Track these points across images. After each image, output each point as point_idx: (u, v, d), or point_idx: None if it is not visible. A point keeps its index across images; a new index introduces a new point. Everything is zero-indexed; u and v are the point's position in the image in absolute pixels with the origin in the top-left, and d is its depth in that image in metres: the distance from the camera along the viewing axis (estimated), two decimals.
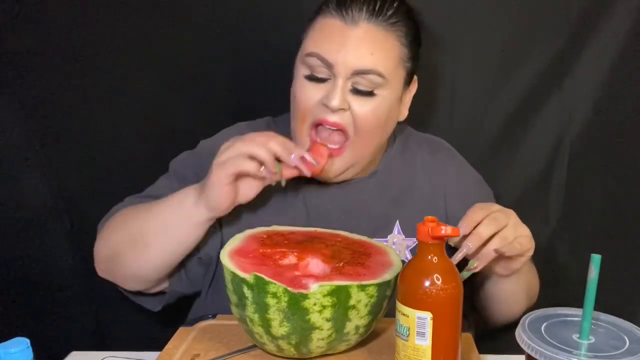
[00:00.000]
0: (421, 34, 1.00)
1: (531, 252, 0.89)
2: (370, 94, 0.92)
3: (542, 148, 1.26)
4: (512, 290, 1.00)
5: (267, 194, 0.97)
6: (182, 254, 0.95)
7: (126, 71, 1.23)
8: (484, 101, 1.26)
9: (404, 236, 1.02)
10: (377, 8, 0.91)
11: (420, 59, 1.02)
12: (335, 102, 0.90)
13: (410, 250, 1.02)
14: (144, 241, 0.93)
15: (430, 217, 0.71)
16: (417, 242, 1.00)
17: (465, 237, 0.83)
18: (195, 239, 0.94)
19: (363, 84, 0.92)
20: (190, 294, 1.06)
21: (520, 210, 1.27)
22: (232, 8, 1.22)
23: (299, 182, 0.98)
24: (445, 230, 0.69)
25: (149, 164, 1.16)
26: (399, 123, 1.04)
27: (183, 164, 1.05)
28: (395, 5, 0.94)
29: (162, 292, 1.04)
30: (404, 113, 1.03)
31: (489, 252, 0.83)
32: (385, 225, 1.01)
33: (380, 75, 0.91)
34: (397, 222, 1.02)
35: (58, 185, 1.26)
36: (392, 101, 0.95)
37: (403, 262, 0.83)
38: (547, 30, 1.21)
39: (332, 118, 0.92)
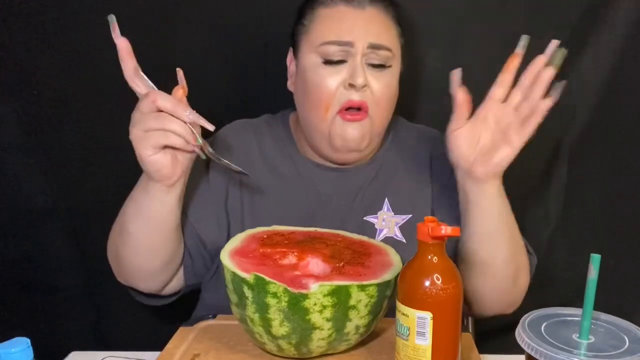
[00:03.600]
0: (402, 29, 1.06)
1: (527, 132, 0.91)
2: (382, 66, 0.98)
3: (542, 148, 1.26)
4: (491, 235, 0.95)
5: (273, 181, 1.02)
6: (162, 231, 0.95)
7: None
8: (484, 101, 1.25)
9: (393, 213, 1.04)
10: None
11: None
12: (360, 80, 0.95)
13: (399, 227, 1.04)
14: (126, 229, 0.94)
15: (430, 217, 0.71)
16: (406, 219, 1.03)
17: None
18: (163, 213, 0.93)
19: (376, 58, 0.97)
20: (197, 286, 1.07)
21: (521, 210, 1.28)
22: (232, 8, 1.22)
23: (302, 168, 1.06)
24: (445, 230, 0.69)
25: None
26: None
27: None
28: None
29: (174, 294, 1.06)
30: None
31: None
32: (375, 203, 1.05)
33: (389, 49, 0.98)
34: (386, 199, 1.05)
35: (58, 185, 1.26)
36: (396, 77, 1.02)
37: (403, 262, 0.84)
38: (547, 30, 1.21)
39: (356, 97, 0.96)
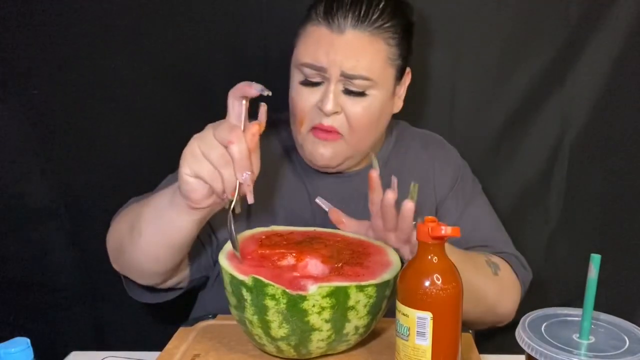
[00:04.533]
0: (412, 26, 1.02)
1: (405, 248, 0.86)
2: (361, 94, 0.95)
3: (542, 148, 1.26)
4: None
5: (272, 181, 1.02)
6: (173, 247, 0.93)
7: (126, 72, 1.23)
8: (484, 101, 1.26)
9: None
10: (361, 14, 0.93)
11: (412, 52, 1.03)
12: (328, 107, 0.94)
13: None
14: (139, 229, 0.92)
15: (430, 217, 0.71)
16: None
17: None
18: (180, 230, 0.90)
19: (352, 86, 0.95)
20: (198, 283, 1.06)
21: (520, 210, 1.29)
22: (232, 8, 1.22)
23: (302, 171, 1.05)
24: (445, 230, 0.69)
25: (148, 164, 1.16)
26: (395, 117, 1.07)
27: None
28: (380, 7, 0.95)
29: (172, 289, 1.04)
30: (399, 105, 1.05)
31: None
32: None
33: (367, 79, 0.94)
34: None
35: (58, 185, 1.26)
36: (383, 98, 0.98)
37: (402, 262, 0.83)
38: (547, 30, 1.21)
39: (327, 122, 0.95)
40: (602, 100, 1.23)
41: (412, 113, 1.19)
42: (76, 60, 1.22)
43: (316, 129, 0.97)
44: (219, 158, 0.79)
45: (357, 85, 0.94)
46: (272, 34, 1.22)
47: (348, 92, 0.95)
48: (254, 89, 0.80)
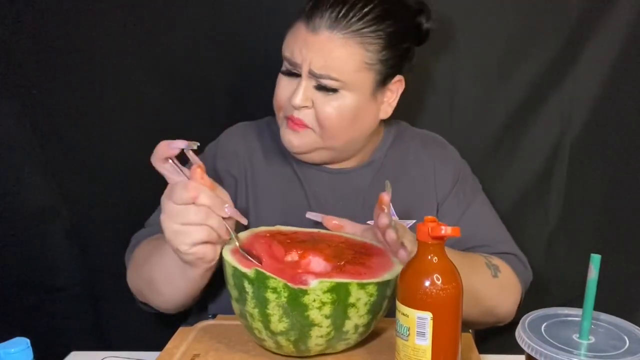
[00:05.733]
0: (408, 34, 1.01)
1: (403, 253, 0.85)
2: (333, 90, 0.96)
3: (542, 148, 1.26)
4: None
5: (274, 182, 1.03)
6: (195, 292, 0.95)
7: (126, 73, 1.23)
8: (484, 101, 1.26)
9: (397, 218, 1.04)
10: (339, 17, 0.94)
11: (409, 57, 1.03)
12: (296, 100, 0.96)
13: None
14: (156, 289, 0.95)
15: (430, 217, 0.71)
16: (409, 224, 1.03)
17: None
18: (197, 281, 0.90)
19: (322, 83, 0.96)
20: None
21: (521, 210, 1.29)
22: (231, 9, 1.22)
23: (299, 169, 1.06)
24: (445, 230, 0.69)
25: (148, 165, 1.16)
26: (395, 118, 1.07)
27: None
28: (364, 11, 0.95)
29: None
30: (387, 111, 1.04)
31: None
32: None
33: (335, 80, 0.95)
34: (391, 204, 1.03)
35: (58, 185, 1.26)
36: (359, 102, 0.98)
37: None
38: (547, 30, 1.21)
39: (296, 114, 0.98)
40: (602, 100, 1.23)
41: (412, 113, 1.20)
42: (76, 60, 1.22)
43: (288, 119, 1.00)
44: (197, 215, 0.79)
45: (326, 84, 0.96)
46: (272, 35, 1.21)
47: (320, 87, 0.96)
48: (176, 146, 0.81)
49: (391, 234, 0.80)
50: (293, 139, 1.00)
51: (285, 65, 0.99)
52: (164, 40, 1.22)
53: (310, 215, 0.95)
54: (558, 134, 1.25)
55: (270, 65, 1.21)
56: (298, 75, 0.97)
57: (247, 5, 1.21)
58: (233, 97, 1.26)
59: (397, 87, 1.03)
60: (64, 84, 1.22)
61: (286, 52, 0.98)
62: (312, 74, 0.95)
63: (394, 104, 1.04)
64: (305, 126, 0.98)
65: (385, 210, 0.82)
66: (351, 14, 0.94)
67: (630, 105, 1.23)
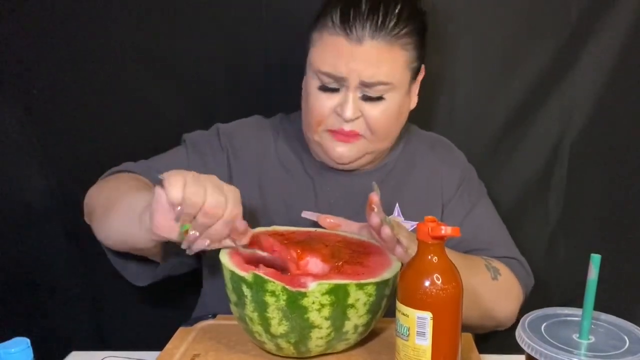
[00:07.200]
0: (427, 28, 1.02)
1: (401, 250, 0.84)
2: (379, 98, 0.97)
3: (542, 148, 1.26)
4: None
5: (277, 181, 1.03)
6: (135, 245, 0.90)
7: (126, 71, 1.23)
8: (484, 101, 1.26)
9: (403, 218, 1.05)
10: (379, 23, 0.93)
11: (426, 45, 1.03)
12: (348, 114, 0.96)
13: None
14: (108, 214, 0.92)
15: (430, 217, 0.71)
16: (415, 226, 1.03)
17: None
18: (139, 240, 0.86)
19: (370, 92, 0.96)
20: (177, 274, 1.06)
21: (520, 210, 1.28)
22: (232, 10, 1.22)
23: (312, 170, 1.06)
24: (445, 230, 0.69)
25: None
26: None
27: (200, 138, 1.09)
28: (396, 12, 0.95)
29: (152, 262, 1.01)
30: (415, 100, 1.06)
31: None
32: (385, 208, 1.03)
33: (386, 84, 0.96)
34: (397, 204, 1.06)
35: (58, 185, 1.26)
36: (401, 99, 1.00)
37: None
38: (547, 30, 1.21)
39: (347, 127, 0.98)
40: (602, 100, 1.23)
41: (412, 113, 1.19)
42: (76, 60, 1.22)
43: (336, 133, 0.99)
44: (217, 228, 0.78)
45: (375, 90, 0.96)
46: (273, 36, 1.22)
47: (367, 98, 0.97)
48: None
49: (386, 230, 0.80)
50: (344, 151, 1.00)
51: (322, 81, 0.97)
52: (164, 41, 1.22)
53: (306, 214, 0.95)
54: (558, 134, 1.25)
55: (271, 66, 1.21)
56: (337, 89, 0.97)
57: (247, 5, 1.21)
58: (233, 97, 1.26)
59: (421, 75, 1.05)
60: (64, 84, 1.22)
61: (325, 67, 0.96)
62: (363, 84, 0.95)
63: (417, 91, 1.06)
64: (358, 135, 0.99)
65: (375, 210, 0.82)
66: (388, 19, 0.94)
67: (630, 106, 1.23)
